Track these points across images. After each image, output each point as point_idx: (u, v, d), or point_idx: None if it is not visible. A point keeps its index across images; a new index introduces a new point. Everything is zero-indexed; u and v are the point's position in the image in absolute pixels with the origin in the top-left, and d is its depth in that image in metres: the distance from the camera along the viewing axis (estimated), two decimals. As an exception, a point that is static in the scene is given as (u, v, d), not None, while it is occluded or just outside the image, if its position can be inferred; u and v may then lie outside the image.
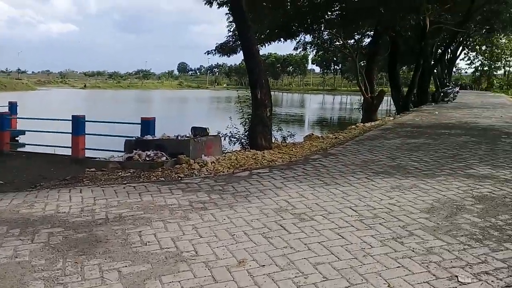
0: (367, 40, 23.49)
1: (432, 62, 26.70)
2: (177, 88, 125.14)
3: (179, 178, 6.10)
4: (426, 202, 4.70)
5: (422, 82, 23.78)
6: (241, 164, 6.98)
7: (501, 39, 45.98)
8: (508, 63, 58.00)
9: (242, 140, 10.25)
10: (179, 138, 7.78)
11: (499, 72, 61.22)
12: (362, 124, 13.62)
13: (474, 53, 55.31)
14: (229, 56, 20.29)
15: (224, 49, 19.82)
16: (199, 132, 7.93)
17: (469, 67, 61.90)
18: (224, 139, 10.36)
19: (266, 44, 18.16)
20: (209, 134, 7.96)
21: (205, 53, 20.79)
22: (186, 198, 4.93)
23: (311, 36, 20.34)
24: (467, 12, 20.10)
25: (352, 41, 21.77)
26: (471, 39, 40.35)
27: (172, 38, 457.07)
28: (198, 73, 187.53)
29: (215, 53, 20.42)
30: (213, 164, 6.95)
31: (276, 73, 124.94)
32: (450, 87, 27.31)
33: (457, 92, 27.54)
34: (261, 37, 17.37)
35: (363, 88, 16.55)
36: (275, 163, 7.06)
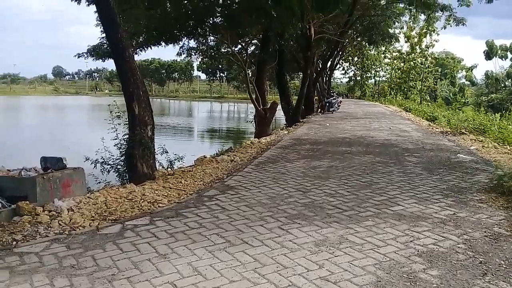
0: (251, 49, 22.79)
1: (315, 73, 27.13)
2: (52, 94, 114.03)
3: (14, 244, 4.07)
4: (366, 270, 3.44)
5: (308, 92, 23.77)
6: (111, 210, 5.12)
7: (370, 50, 49.65)
8: (377, 73, 62.89)
9: (119, 167, 8.26)
10: (22, 173, 5.61)
11: (370, 81, 66.18)
12: (257, 139, 12.45)
13: (347, 64, 58.92)
14: (103, 61, 17.81)
15: (97, 52, 17.30)
16: (52, 164, 5.85)
17: (343, 77, 65.88)
18: (95, 166, 8.28)
19: (146, 49, 16.12)
20: (67, 166, 5.91)
21: (75, 56, 18.07)
22: (8, 296, 3.03)
23: (195, 41, 18.82)
24: (345, 23, 20.66)
25: (238, 47, 20.79)
26: (345, 51, 42.51)
27: (45, 39, 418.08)
28: (77, 78, 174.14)
29: (87, 57, 17.81)
30: (70, 213, 4.99)
31: (162, 80, 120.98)
32: (334, 96, 27.93)
33: (340, 101, 28.29)
34: (139, 40, 15.30)
35: (254, 100, 15.49)
36: (159, 206, 5.34)
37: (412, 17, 37.50)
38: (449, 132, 14.49)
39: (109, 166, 8.26)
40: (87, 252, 3.81)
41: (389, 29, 22.68)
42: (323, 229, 4.40)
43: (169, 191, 6.08)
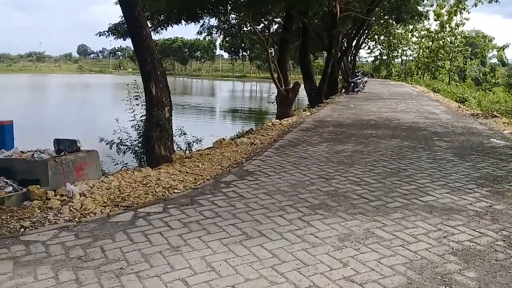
0: (274, 27, 22.16)
1: (340, 52, 26.34)
2: (77, 73, 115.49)
3: (21, 231, 3.90)
4: (396, 271, 3.13)
5: (332, 71, 23.11)
6: (124, 195, 4.92)
7: (397, 29, 48.06)
8: (404, 52, 61.08)
9: (136, 149, 8.07)
10: (35, 156, 5.46)
11: (397, 60, 64.38)
12: (278, 121, 12.09)
13: (373, 43, 57.27)
14: (124, 40, 17.58)
15: (118, 31, 17.08)
16: (65, 146, 5.68)
17: (369, 56, 64.27)
18: (110, 147, 8.12)
19: (167, 27, 15.77)
20: (81, 148, 5.73)
21: (96, 34, 17.90)
22: (13, 285, 2.86)
23: (217, 19, 18.36)
24: (372, 1, 19.88)
25: (261, 26, 20.23)
26: (371, 29, 41.17)
27: (70, 18, 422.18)
28: (101, 57, 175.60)
29: (108, 35, 17.62)
30: (82, 198, 4.81)
31: (184, 59, 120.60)
32: (359, 76, 27.14)
33: (366, 82, 27.48)
34: (160, 18, 14.97)
35: (276, 80, 15.05)
36: (174, 192, 5.10)
37: (443, -6, 36.09)
38: (480, 115, 13.82)
39: (126, 147, 8.07)
40: (96, 242, 3.60)
41: (418, 7, 21.63)
42: (347, 221, 4.08)
43: (185, 175, 5.84)
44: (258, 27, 19.41)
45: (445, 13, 42.24)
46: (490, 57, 54.31)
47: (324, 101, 19.05)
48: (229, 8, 15.52)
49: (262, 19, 19.01)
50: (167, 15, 14.59)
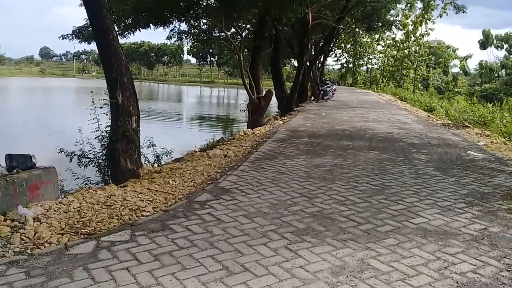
0: (244, 33, 21.80)
1: (309, 61, 26.25)
2: (39, 76, 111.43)
3: (-41, 267, 3.29)
4: (401, 313, 2.74)
5: (302, 79, 22.95)
6: (85, 220, 4.34)
7: (363, 37, 48.83)
8: (370, 60, 62.21)
9: (100, 161, 7.44)
10: (-18, 174, 4.79)
11: (362, 68, 65.43)
12: (251, 130, 11.66)
13: (340, 51, 58.01)
14: (89, 43, 16.75)
15: (83, 34, 16.25)
16: (18, 162, 5.04)
17: (335, 64, 65.04)
18: (71, 160, 7.45)
19: (135, 31, 15.08)
20: (36, 164, 5.10)
21: (59, 37, 17.04)
22: None
23: (187, 24, 17.80)
24: (343, 9, 20.00)
25: (231, 32, 19.81)
26: (339, 37, 41.54)
27: (32, 19, 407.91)
28: (64, 60, 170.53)
29: (72, 38, 16.78)
30: (36, 223, 4.21)
31: (151, 63, 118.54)
32: (329, 84, 27.12)
33: (335, 89, 27.50)
34: (127, 22, 14.27)
35: (248, 87, 14.63)
36: (142, 215, 4.57)
37: (409, 4, 36.83)
38: (451, 125, 13.87)
39: (88, 160, 7.43)
40: (50, 283, 3.04)
41: (389, 16, 21.87)
42: (338, 250, 3.68)
43: (154, 194, 5.30)
44: (229, 33, 18.99)
45: (411, 22, 43.19)
46: (451, 66, 56.04)
47: (295, 109, 18.82)
48: (200, 12, 15.00)
49: (234, 24, 18.61)
50: (135, 19, 13.92)
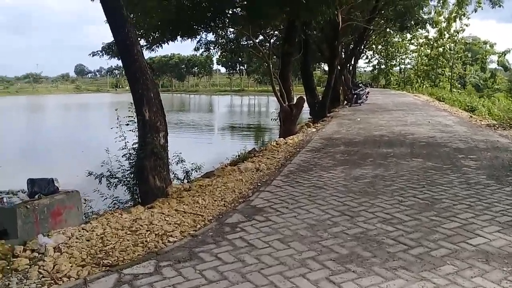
0: (272, 40, 21.49)
1: (339, 64, 25.63)
2: (74, 92, 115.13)
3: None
4: None
5: (334, 83, 22.37)
6: (107, 249, 4.04)
7: (394, 37, 47.62)
8: (402, 61, 60.75)
9: (129, 179, 7.20)
10: (4, 200, 4.59)
11: (395, 69, 63.90)
12: (283, 140, 11.23)
13: (371, 52, 56.86)
14: (119, 59, 16.81)
15: (112, 50, 16.35)
16: (40, 187, 4.82)
17: (367, 65, 63.85)
18: (100, 181, 7.25)
19: (163, 44, 14.99)
20: (59, 189, 4.87)
21: (90, 54, 17.24)
22: None
23: (214, 34, 17.60)
24: (373, 9, 19.42)
25: (260, 39, 19.50)
26: (369, 39, 40.62)
27: (66, 39, 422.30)
28: (98, 75, 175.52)
29: (102, 55, 16.97)
30: (56, 254, 3.94)
31: (181, 75, 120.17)
32: (362, 88, 26.35)
33: (368, 92, 26.69)
34: (155, 36, 14.18)
35: (279, 95, 14.23)
36: (168, 240, 4.23)
37: (441, 0, 35.55)
38: (496, 125, 12.99)
39: (117, 180, 7.20)
40: (65, 329, 2.72)
41: (422, 14, 21.05)
42: (388, 281, 3.21)
43: (183, 216, 4.96)
44: (257, 40, 18.69)
45: (444, 20, 41.72)
46: (489, 62, 53.72)
47: (328, 114, 18.26)
48: (227, 22, 14.75)
49: (262, 31, 18.30)
50: (161, 32, 13.81)
